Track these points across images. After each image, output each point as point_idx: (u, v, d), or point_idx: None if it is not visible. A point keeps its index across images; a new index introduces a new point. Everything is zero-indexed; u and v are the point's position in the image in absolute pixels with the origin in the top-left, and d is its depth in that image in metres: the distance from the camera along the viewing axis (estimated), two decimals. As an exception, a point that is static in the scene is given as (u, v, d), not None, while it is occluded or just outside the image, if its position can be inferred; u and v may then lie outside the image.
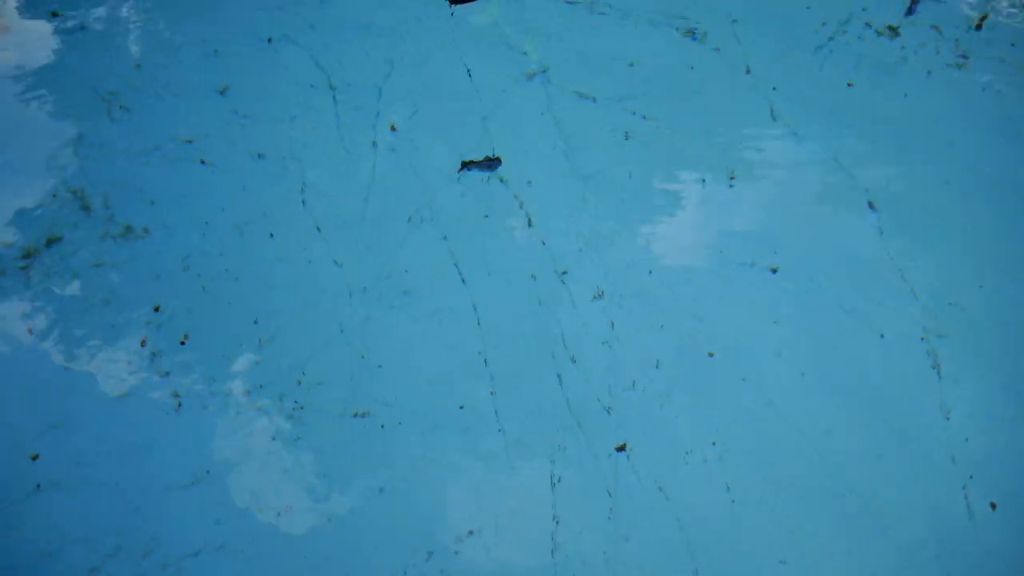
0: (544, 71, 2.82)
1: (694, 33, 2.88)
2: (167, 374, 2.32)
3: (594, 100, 2.77)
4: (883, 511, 2.17)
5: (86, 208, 2.53)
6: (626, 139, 2.69)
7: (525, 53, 2.83)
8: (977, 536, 2.14)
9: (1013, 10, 2.88)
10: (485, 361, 2.37)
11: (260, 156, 2.65)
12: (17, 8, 2.90)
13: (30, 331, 2.35)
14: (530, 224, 2.57)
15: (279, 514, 2.17)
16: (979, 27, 2.85)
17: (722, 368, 2.36)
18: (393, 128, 2.72)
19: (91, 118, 2.68)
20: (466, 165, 2.64)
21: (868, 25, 2.88)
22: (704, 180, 2.63)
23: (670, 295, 2.45)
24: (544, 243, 2.54)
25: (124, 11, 2.91)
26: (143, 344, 2.35)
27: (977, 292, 2.43)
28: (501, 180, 2.63)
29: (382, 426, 2.29)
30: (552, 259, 2.51)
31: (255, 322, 2.40)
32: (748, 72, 2.80)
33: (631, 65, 2.82)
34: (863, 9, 2.91)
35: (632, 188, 2.63)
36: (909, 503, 2.18)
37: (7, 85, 2.73)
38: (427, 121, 2.73)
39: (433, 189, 2.62)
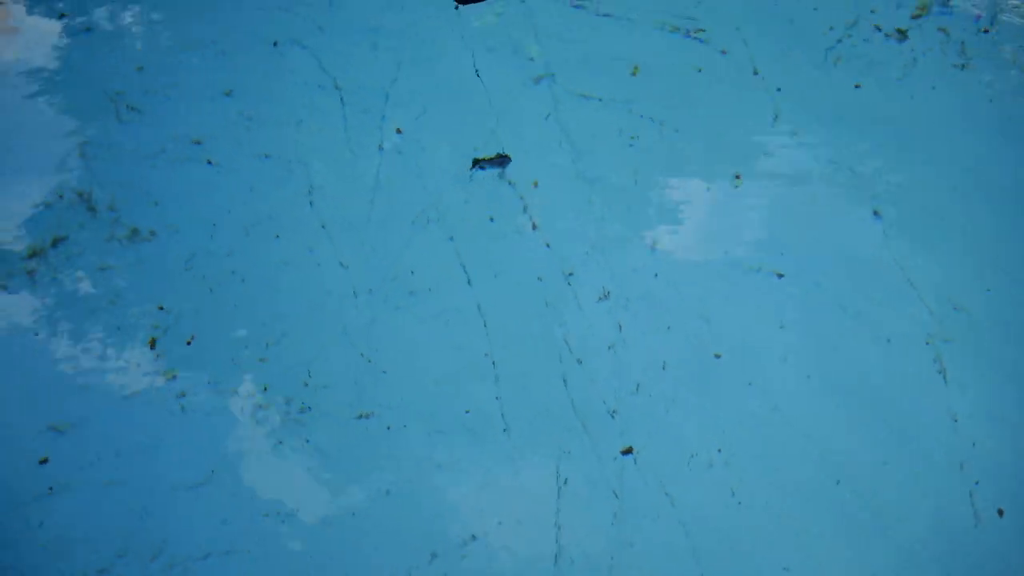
0: (551, 75, 2.82)
1: (701, 35, 2.87)
2: (174, 375, 2.32)
3: (600, 102, 2.76)
4: (889, 517, 2.17)
5: (92, 209, 2.54)
6: (632, 142, 2.69)
7: (532, 59, 2.83)
8: (983, 542, 2.13)
9: (1021, 11, 2.86)
10: (493, 363, 2.37)
11: (267, 156, 2.65)
12: (25, 9, 2.90)
13: (36, 334, 2.35)
14: (536, 226, 2.57)
15: (285, 515, 2.17)
16: (987, 31, 2.84)
17: (728, 372, 2.35)
18: (399, 131, 2.72)
19: (98, 119, 2.68)
20: (477, 163, 2.64)
21: (876, 28, 2.87)
22: (710, 183, 2.62)
23: (676, 297, 2.45)
24: (550, 245, 2.54)
25: (131, 13, 2.91)
26: (151, 345, 2.35)
27: (983, 296, 2.42)
28: (509, 183, 2.63)
29: (388, 428, 2.29)
30: (558, 261, 2.51)
31: (261, 326, 2.40)
32: (755, 74, 2.80)
33: (637, 67, 2.82)
34: (871, 11, 2.90)
35: (638, 191, 2.63)
36: (915, 509, 2.17)
37: (15, 86, 2.74)
38: (433, 123, 2.73)
39: (439, 191, 2.62)
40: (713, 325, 2.41)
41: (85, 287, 2.43)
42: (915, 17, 2.88)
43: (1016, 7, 2.86)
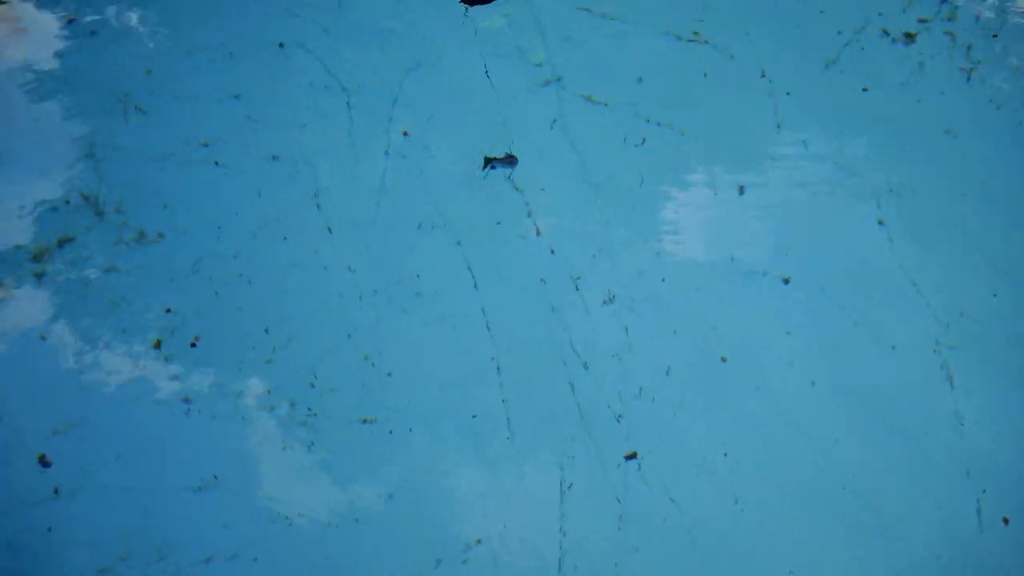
0: (558, 79, 2.81)
1: (707, 40, 2.87)
2: (178, 378, 2.33)
3: (606, 106, 2.76)
4: (894, 523, 2.16)
5: (99, 211, 2.54)
6: (639, 145, 2.69)
7: (539, 65, 2.83)
8: (989, 550, 2.13)
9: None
10: (498, 367, 2.36)
11: (274, 159, 2.65)
12: (33, 11, 2.91)
13: (42, 335, 2.36)
14: (542, 230, 2.56)
15: (289, 519, 2.17)
16: (995, 35, 2.84)
17: (734, 377, 2.35)
18: (406, 133, 2.72)
19: (106, 121, 2.69)
20: (489, 162, 2.64)
21: (884, 32, 2.87)
22: (716, 187, 2.62)
23: (682, 302, 2.45)
24: (556, 249, 2.54)
25: (139, 15, 2.92)
26: (156, 347, 2.36)
27: (990, 302, 2.42)
28: (515, 187, 2.63)
29: (391, 432, 2.29)
30: (564, 265, 2.51)
31: (266, 328, 2.40)
32: (762, 78, 2.79)
33: (644, 71, 2.81)
34: (879, 14, 2.90)
35: (644, 195, 2.62)
36: (920, 515, 2.17)
37: (22, 87, 2.75)
38: (439, 126, 2.73)
39: (446, 194, 2.62)
40: (719, 329, 2.41)
41: (92, 289, 2.43)
42: (923, 21, 2.87)
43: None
